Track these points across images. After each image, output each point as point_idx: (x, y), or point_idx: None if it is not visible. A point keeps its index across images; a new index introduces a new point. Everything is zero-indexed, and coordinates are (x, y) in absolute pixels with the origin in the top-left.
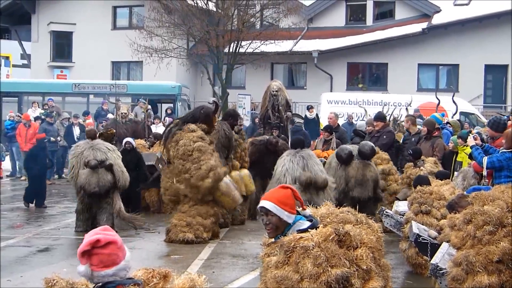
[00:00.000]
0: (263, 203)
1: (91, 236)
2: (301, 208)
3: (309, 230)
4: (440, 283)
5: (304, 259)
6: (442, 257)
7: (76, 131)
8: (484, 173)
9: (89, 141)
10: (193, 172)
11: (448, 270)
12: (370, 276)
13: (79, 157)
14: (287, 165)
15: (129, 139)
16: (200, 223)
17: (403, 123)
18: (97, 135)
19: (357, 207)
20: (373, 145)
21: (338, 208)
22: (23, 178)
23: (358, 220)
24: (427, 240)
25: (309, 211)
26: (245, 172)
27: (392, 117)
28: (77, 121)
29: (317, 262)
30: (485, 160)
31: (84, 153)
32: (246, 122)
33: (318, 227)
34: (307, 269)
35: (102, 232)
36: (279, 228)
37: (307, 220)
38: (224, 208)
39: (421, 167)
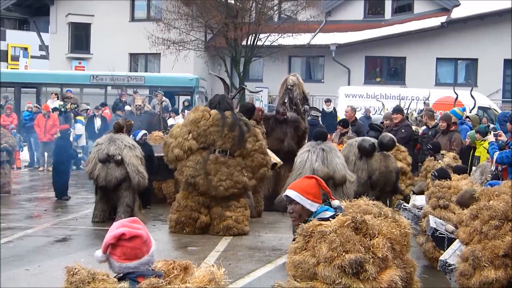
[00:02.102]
0: (287, 192)
1: (117, 227)
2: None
3: (331, 219)
4: (450, 279)
5: (321, 243)
6: (453, 253)
7: (97, 122)
8: (493, 167)
9: (112, 134)
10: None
11: (456, 266)
12: (387, 265)
13: (98, 147)
14: (306, 156)
15: (144, 131)
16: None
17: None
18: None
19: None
20: (393, 136)
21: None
22: (40, 168)
23: (383, 213)
24: (444, 235)
25: (338, 202)
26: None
27: (410, 112)
28: (99, 113)
29: (332, 246)
30: (495, 155)
31: (102, 146)
32: None
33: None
34: (322, 253)
35: (129, 225)
36: (302, 217)
37: (335, 211)
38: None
39: (439, 161)
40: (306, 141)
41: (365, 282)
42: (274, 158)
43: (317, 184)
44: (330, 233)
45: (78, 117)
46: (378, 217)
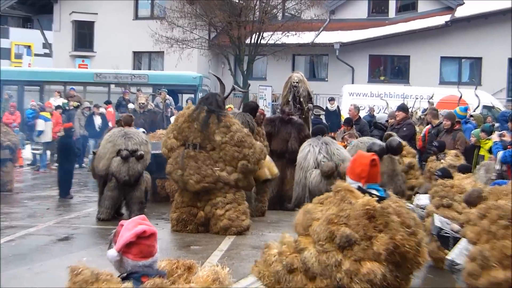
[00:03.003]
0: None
1: (134, 225)
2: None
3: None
4: (457, 278)
5: (334, 205)
6: (460, 252)
7: (97, 120)
8: (497, 166)
9: (122, 129)
10: (251, 157)
11: (464, 266)
12: (378, 260)
13: (113, 143)
14: (307, 150)
15: (142, 129)
16: (247, 205)
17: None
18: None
19: None
20: (401, 141)
21: None
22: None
23: (412, 229)
24: (449, 234)
25: (390, 192)
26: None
27: (414, 111)
28: (99, 111)
29: (339, 213)
30: (499, 154)
31: (118, 141)
32: (267, 114)
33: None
34: (328, 212)
35: (144, 222)
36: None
37: (381, 193)
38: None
39: (441, 160)
40: None
41: (346, 258)
42: (271, 170)
43: (369, 163)
44: (346, 202)
45: (41, 113)
46: (405, 227)
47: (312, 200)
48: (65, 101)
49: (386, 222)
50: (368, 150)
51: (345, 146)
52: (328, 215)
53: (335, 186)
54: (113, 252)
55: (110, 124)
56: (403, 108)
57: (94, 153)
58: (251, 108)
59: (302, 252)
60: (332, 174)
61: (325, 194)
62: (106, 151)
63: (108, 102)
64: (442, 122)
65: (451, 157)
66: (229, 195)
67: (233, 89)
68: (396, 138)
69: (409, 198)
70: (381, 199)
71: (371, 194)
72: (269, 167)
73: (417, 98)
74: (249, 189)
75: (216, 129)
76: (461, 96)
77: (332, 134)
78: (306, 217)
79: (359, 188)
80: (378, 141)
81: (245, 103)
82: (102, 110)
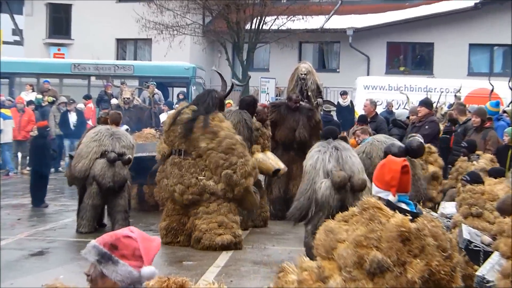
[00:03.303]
0: None
1: (146, 236)
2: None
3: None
4: None
5: (362, 225)
6: (491, 268)
7: (72, 117)
8: None
9: (110, 127)
10: (239, 167)
11: (496, 283)
12: None
13: (99, 142)
14: (316, 157)
15: (126, 126)
16: (233, 219)
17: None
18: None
19: None
20: (423, 142)
21: None
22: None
23: (448, 250)
24: (480, 247)
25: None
26: (269, 153)
27: (439, 107)
28: (72, 107)
29: (369, 234)
30: None
31: (104, 141)
32: None
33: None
34: (356, 233)
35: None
36: None
37: (412, 207)
38: (243, 206)
39: (474, 162)
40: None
41: (376, 286)
42: (277, 164)
43: (399, 171)
44: (376, 221)
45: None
46: (441, 250)
47: (320, 212)
48: (39, 96)
49: (422, 246)
50: (385, 152)
51: (356, 144)
52: (356, 237)
53: (362, 202)
54: (152, 269)
55: (90, 123)
56: (426, 103)
57: (71, 156)
58: (247, 104)
59: (327, 281)
60: (344, 186)
61: (350, 210)
62: (90, 151)
63: (87, 97)
64: (470, 119)
65: (486, 161)
66: (212, 205)
67: (233, 86)
68: (417, 139)
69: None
70: (413, 216)
71: (402, 211)
72: (275, 162)
73: (442, 92)
74: (249, 208)
75: (200, 134)
76: (492, 89)
77: (344, 133)
78: (330, 237)
79: (388, 204)
80: (398, 142)
81: (241, 99)
82: (79, 105)
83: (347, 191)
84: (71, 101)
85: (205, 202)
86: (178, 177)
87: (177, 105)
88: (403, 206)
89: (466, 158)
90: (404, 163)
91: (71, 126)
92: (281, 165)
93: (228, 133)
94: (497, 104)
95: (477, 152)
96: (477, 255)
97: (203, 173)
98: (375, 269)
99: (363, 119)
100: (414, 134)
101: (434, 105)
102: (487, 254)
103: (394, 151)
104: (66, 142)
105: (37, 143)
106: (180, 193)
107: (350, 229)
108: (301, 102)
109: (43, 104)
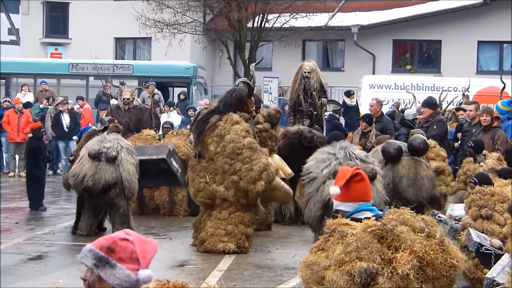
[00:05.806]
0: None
1: (142, 238)
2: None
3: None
4: None
5: (337, 244)
6: (501, 270)
7: (66, 119)
8: None
9: (104, 135)
10: (244, 174)
11: (506, 286)
12: (408, 284)
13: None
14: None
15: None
16: (243, 231)
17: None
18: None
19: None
20: (426, 138)
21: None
22: (11, 174)
23: (429, 232)
24: (491, 250)
25: (387, 208)
26: (276, 156)
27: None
28: (65, 108)
29: (346, 249)
30: None
31: (89, 142)
32: None
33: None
34: (335, 255)
35: (132, 233)
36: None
37: (375, 212)
38: (277, 202)
39: (481, 163)
40: None
41: None
42: (284, 170)
43: (359, 180)
44: (348, 235)
45: None
46: (418, 232)
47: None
48: (43, 104)
49: (397, 236)
50: (382, 151)
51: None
52: (337, 257)
53: (327, 226)
54: (148, 272)
55: (89, 124)
56: (428, 103)
57: (71, 160)
58: (238, 99)
59: None
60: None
61: (320, 238)
62: (80, 155)
63: (82, 98)
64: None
65: (493, 160)
66: (224, 212)
67: (253, 83)
68: (419, 136)
69: (441, 208)
70: (378, 217)
71: (365, 219)
72: (280, 168)
73: (450, 91)
74: (284, 202)
75: (209, 137)
76: (503, 88)
77: (350, 134)
78: (314, 270)
79: (352, 219)
80: (394, 141)
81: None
82: (73, 106)
83: None
84: (65, 102)
85: (218, 207)
86: (191, 180)
87: (177, 106)
88: (368, 214)
89: (471, 159)
90: (356, 171)
91: (64, 128)
92: (287, 170)
93: (234, 137)
94: (509, 103)
95: (483, 152)
96: (488, 259)
97: (207, 176)
98: (366, 278)
99: (367, 118)
100: (416, 131)
101: (445, 104)
102: (498, 257)
103: (389, 149)
104: (61, 144)
105: (31, 145)
106: (193, 195)
107: (329, 254)
108: (316, 133)
109: (41, 106)
